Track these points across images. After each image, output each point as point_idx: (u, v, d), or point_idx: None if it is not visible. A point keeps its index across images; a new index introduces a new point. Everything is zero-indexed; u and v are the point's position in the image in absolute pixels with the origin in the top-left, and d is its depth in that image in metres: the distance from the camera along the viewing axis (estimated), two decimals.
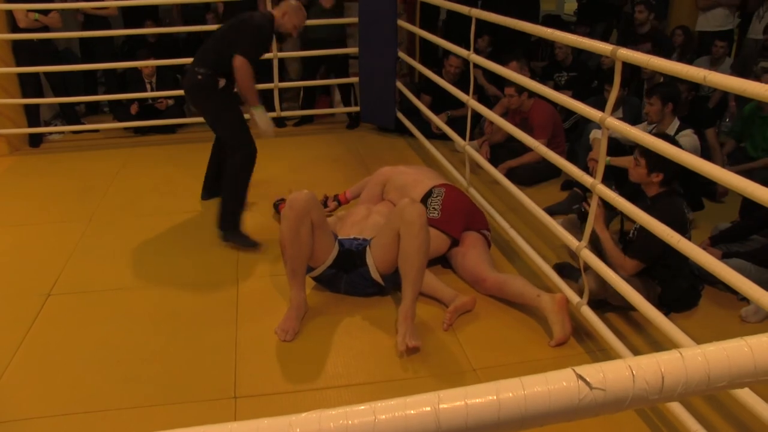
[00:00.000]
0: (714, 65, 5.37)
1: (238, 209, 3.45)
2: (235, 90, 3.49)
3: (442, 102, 5.08)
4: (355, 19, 5.40)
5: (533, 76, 4.83)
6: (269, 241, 3.39)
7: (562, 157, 2.92)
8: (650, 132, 3.31)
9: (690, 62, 5.02)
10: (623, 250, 2.80)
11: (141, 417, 2.22)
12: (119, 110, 5.65)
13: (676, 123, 3.71)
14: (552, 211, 3.47)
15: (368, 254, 2.86)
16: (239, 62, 3.26)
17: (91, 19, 5.73)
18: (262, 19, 3.46)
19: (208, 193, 4.04)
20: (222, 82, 3.40)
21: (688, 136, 3.59)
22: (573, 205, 3.89)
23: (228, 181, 3.45)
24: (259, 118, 3.46)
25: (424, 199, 3.21)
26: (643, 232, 2.30)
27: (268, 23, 3.47)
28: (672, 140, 2.91)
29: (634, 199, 2.53)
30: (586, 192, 3.91)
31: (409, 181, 3.39)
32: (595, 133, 3.95)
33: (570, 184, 4.14)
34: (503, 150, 4.51)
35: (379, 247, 2.82)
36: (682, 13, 6.29)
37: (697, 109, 4.52)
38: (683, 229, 2.67)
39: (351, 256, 2.89)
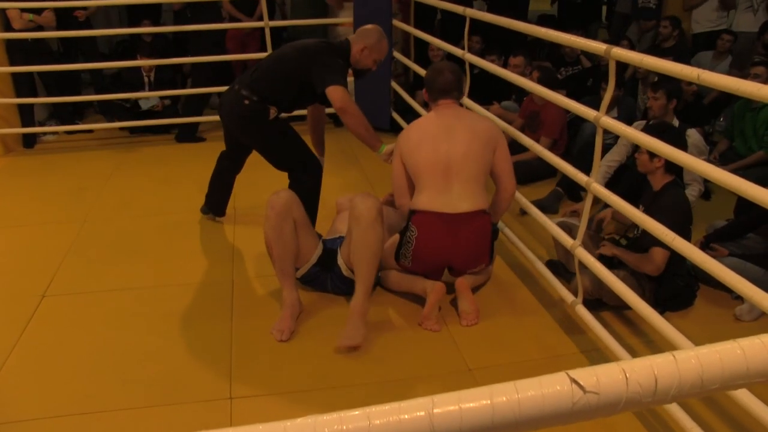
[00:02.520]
0: (717, 59, 5.37)
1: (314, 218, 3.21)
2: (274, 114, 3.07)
3: None
4: (346, 20, 5.40)
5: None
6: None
7: (561, 158, 2.92)
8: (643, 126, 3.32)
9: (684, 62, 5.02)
10: (630, 246, 2.80)
11: (137, 418, 2.22)
12: (112, 111, 5.62)
13: (675, 122, 3.72)
14: (537, 206, 3.46)
15: (339, 254, 2.85)
16: (340, 96, 2.83)
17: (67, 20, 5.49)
18: (337, 49, 3.06)
19: (215, 209, 3.70)
20: (273, 112, 3.05)
21: (693, 135, 3.63)
22: (554, 200, 3.90)
23: (307, 205, 2.94)
24: (385, 152, 3.08)
25: (403, 230, 2.84)
26: (648, 222, 2.27)
27: (345, 56, 3.05)
28: (669, 128, 2.92)
29: (629, 197, 2.53)
30: (568, 191, 3.94)
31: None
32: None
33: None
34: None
35: (346, 247, 2.80)
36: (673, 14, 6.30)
37: (692, 107, 4.53)
38: (688, 219, 2.68)
39: (332, 254, 2.89)
